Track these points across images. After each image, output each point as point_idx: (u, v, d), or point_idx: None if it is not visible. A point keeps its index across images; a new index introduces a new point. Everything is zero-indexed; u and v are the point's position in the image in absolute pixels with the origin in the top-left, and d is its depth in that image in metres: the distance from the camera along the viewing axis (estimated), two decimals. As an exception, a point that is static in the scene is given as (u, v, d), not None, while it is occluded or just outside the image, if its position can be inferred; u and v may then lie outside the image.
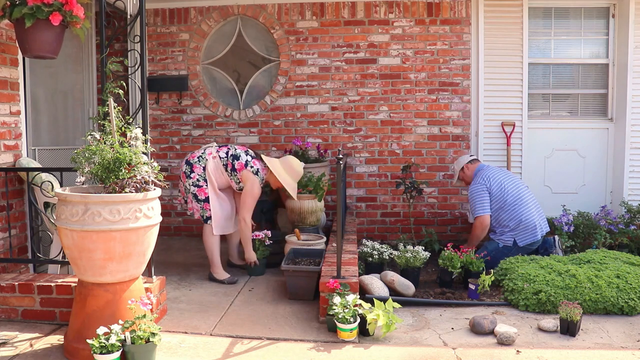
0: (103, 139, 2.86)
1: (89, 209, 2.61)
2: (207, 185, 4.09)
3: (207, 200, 4.08)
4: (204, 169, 4.09)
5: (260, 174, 4.15)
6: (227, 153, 4.13)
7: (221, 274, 4.17)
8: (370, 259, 4.21)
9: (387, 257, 4.22)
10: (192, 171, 4.09)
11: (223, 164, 4.12)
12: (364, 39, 5.49)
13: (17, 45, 3.14)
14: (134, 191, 2.75)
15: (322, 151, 5.43)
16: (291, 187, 4.23)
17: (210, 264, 4.18)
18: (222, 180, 4.16)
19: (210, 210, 4.09)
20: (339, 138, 5.60)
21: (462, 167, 4.85)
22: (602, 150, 5.55)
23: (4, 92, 3.51)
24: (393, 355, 2.87)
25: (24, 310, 3.24)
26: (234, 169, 4.10)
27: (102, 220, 2.61)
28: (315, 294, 3.61)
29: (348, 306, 3.02)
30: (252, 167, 4.11)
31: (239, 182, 4.14)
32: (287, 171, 4.23)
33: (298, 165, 4.30)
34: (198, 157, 4.12)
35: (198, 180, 4.08)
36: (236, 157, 4.11)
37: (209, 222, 4.11)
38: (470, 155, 4.93)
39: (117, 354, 2.55)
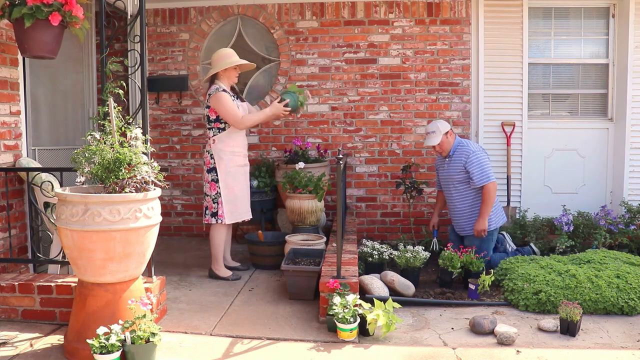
0: (103, 139, 2.86)
1: (89, 209, 2.61)
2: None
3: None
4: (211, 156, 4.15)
5: (217, 88, 4.07)
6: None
7: (224, 271, 4.18)
8: (370, 259, 4.21)
9: (387, 257, 4.22)
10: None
11: (207, 128, 4.18)
12: (364, 39, 5.49)
13: (17, 46, 3.14)
14: (134, 191, 2.75)
15: (322, 151, 5.43)
16: (231, 62, 4.11)
17: (213, 261, 4.20)
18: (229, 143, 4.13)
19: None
20: (339, 138, 5.60)
21: (447, 131, 4.45)
22: (602, 150, 5.55)
23: (4, 92, 3.51)
24: (393, 355, 2.87)
25: (24, 310, 3.24)
26: (209, 120, 4.13)
27: (102, 220, 2.61)
28: (315, 294, 3.61)
29: (348, 306, 3.03)
30: (209, 94, 4.10)
31: (219, 119, 4.09)
32: (220, 62, 4.13)
33: (222, 50, 4.20)
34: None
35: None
36: (205, 106, 4.16)
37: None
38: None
39: (117, 354, 2.55)
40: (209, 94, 4.09)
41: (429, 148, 4.92)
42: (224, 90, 4.07)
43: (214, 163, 4.09)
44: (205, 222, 4.18)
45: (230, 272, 4.20)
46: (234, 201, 4.14)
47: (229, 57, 4.14)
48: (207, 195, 4.15)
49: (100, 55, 3.29)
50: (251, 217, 4.35)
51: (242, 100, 4.31)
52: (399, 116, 5.54)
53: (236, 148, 4.16)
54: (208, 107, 4.11)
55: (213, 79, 4.18)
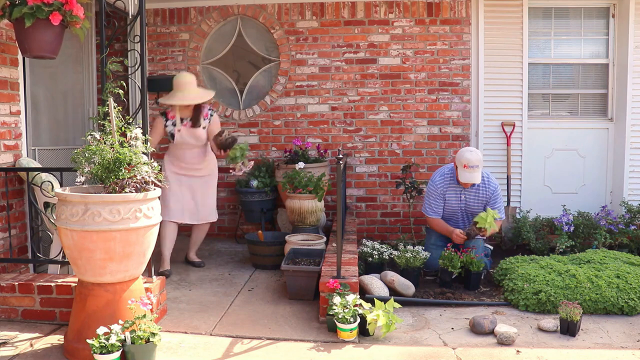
0: (103, 139, 2.86)
1: (89, 209, 2.61)
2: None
3: None
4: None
5: (160, 113, 4.31)
6: None
7: (162, 266, 4.28)
8: (370, 259, 4.21)
9: (387, 257, 4.22)
10: None
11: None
12: (364, 39, 5.49)
13: (17, 45, 3.14)
14: (134, 191, 2.75)
15: (322, 151, 5.43)
16: (179, 99, 4.16)
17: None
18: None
19: None
20: (339, 138, 5.60)
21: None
22: (602, 150, 5.55)
23: (4, 92, 3.51)
24: (393, 355, 2.87)
25: (24, 310, 3.24)
26: None
27: (102, 220, 2.61)
28: (315, 294, 3.61)
29: (348, 306, 3.02)
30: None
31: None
32: (175, 91, 4.18)
33: (181, 76, 4.22)
34: None
35: None
36: None
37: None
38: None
39: (117, 354, 2.55)
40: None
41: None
42: (163, 113, 4.26)
43: None
44: None
45: (165, 268, 4.26)
46: (163, 200, 4.14)
47: (175, 91, 4.18)
48: None
49: (100, 55, 3.28)
50: (179, 222, 4.37)
51: (194, 126, 4.23)
52: (399, 116, 5.54)
53: (174, 159, 4.35)
54: None
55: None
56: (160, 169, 2.96)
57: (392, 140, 5.57)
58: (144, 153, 2.92)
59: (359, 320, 3.03)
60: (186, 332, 3.14)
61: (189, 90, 4.19)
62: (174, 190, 4.28)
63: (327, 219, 5.43)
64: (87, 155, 2.78)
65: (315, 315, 3.40)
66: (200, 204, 4.40)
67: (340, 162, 3.33)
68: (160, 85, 5.60)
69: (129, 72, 3.51)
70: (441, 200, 4.31)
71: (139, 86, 3.36)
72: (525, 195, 5.52)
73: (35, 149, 4.37)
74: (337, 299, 3.06)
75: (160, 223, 4.11)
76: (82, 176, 2.82)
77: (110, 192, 2.73)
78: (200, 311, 3.48)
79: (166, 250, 4.33)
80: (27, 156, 3.78)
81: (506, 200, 5.35)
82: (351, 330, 3.00)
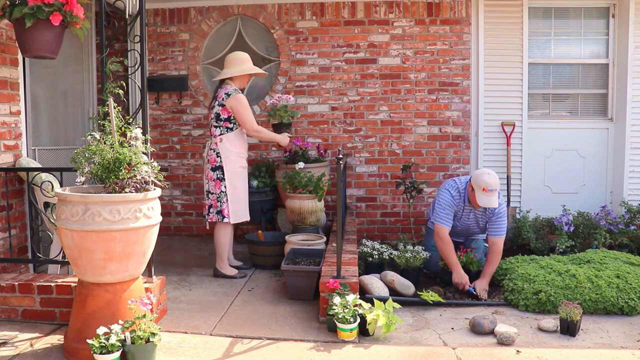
0: (103, 139, 2.86)
1: (89, 209, 2.61)
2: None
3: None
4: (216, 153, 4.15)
5: (236, 90, 4.12)
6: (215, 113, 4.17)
7: (230, 269, 4.21)
8: (370, 259, 4.21)
9: (387, 257, 4.22)
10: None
11: (213, 125, 4.17)
12: (364, 39, 5.49)
13: (17, 45, 3.14)
14: (134, 191, 2.75)
15: (322, 151, 5.43)
16: (247, 69, 4.18)
17: (218, 259, 4.23)
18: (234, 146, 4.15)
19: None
20: (339, 138, 5.60)
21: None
22: (602, 150, 5.55)
23: (4, 92, 3.51)
24: (393, 355, 2.87)
25: (24, 310, 3.24)
26: (218, 118, 4.11)
27: (102, 220, 2.61)
28: (315, 294, 3.61)
29: (348, 306, 3.03)
30: (227, 94, 4.09)
31: (230, 118, 4.10)
32: (237, 65, 4.17)
33: (239, 54, 4.27)
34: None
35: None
36: (218, 104, 4.13)
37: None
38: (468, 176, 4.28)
39: (117, 354, 2.55)
40: (227, 94, 4.07)
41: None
42: (235, 90, 4.12)
43: (220, 162, 4.09)
44: (210, 220, 4.18)
45: (237, 271, 4.22)
46: (238, 201, 4.16)
47: (245, 63, 4.19)
48: (212, 194, 4.14)
49: (100, 55, 3.29)
50: (249, 219, 4.36)
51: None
52: (399, 116, 5.54)
53: (241, 149, 4.20)
54: (222, 105, 4.09)
55: (223, 79, 4.20)
56: (161, 168, 2.95)
57: (392, 140, 5.57)
58: (144, 153, 2.92)
59: (359, 320, 3.03)
60: (186, 332, 3.14)
61: (250, 61, 4.23)
62: (244, 186, 4.22)
63: (327, 219, 5.43)
64: (87, 155, 2.78)
65: (315, 315, 3.40)
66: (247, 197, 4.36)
67: (340, 162, 3.33)
68: (160, 85, 5.62)
69: (129, 72, 3.51)
70: (453, 213, 4.10)
71: (139, 86, 3.36)
72: (525, 195, 5.52)
73: (35, 149, 4.37)
74: (337, 299, 3.06)
75: (224, 226, 4.14)
76: (82, 176, 2.82)
77: (110, 192, 2.73)
78: (200, 311, 3.48)
79: (227, 252, 4.28)
80: (27, 156, 3.78)
81: (506, 200, 5.36)
82: (351, 330, 3.00)
